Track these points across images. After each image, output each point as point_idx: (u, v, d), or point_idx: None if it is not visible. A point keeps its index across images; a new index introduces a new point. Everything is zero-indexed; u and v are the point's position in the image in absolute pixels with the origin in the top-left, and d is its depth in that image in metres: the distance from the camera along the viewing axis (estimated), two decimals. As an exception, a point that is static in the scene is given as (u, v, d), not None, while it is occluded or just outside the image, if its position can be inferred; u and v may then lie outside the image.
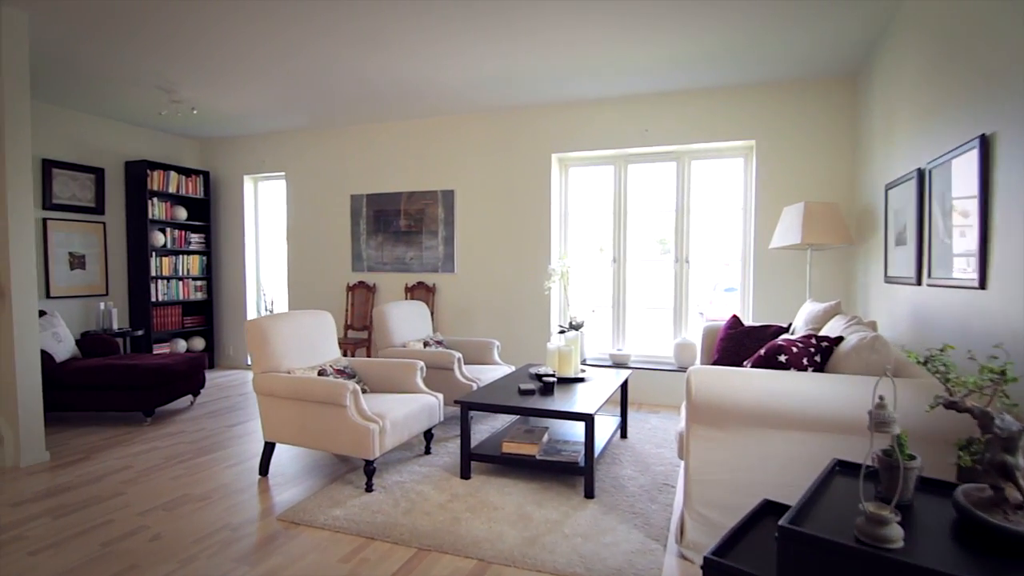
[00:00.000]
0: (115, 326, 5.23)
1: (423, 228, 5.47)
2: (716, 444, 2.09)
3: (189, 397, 4.78)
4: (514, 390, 3.23)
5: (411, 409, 3.07)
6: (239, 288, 6.32)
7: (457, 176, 5.34)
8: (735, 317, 3.62)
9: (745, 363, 2.49)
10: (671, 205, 4.85)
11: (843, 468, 1.53)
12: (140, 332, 5.39)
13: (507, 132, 5.13)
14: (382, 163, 5.63)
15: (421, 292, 5.47)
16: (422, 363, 3.42)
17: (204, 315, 6.27)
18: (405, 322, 4.22)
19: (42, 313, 4.44)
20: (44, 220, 4.97)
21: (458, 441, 3.58)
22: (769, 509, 1.53)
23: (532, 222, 5.07)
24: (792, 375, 2.12)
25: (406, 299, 5.50)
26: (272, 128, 5.86)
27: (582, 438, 3.23)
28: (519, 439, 3.03)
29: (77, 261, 5.24)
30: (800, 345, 2.35)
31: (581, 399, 3.03)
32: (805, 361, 2.29)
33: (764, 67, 3.99)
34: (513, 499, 2.72)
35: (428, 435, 3.40)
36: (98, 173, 5.39)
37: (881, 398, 1.27)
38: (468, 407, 3.01)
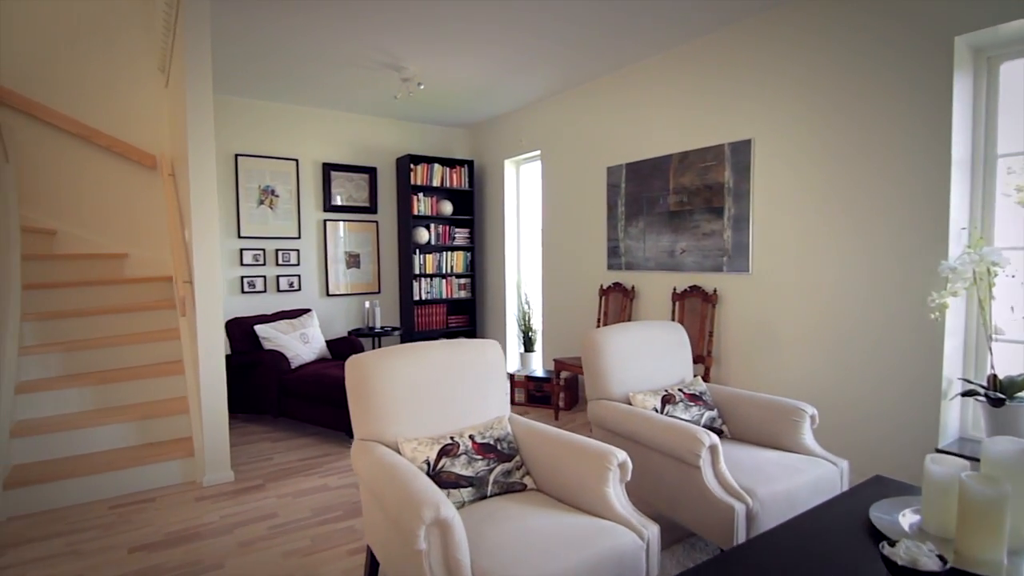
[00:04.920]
0: (378, 324, 5.21)
1: (701, 205, 3.61)
2: None
3: (414, 413, 4.25)
4: (823, 587, 1.27)
5: (566, 567, 1.49)
6: (500, 287, 5.68)
7: (755, 118, 3.28)
8: None
9: None
10: None
11: None
12: (398, 331, 5.26)
13: (850, 22, 2.80)
14: (645, 118, 3.99)
15: (695, 301, 3.64)
16: (624, 457, 1.77)
17: (468, 314, 5.89)
18: (632, 359, 2.53)
19: (304, 311, 4.57)
20: (324, 222, 5.25)
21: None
22: None
23: (902, 182, 2.63)
24: None
25: (673, 309, 3.76)
26: (525, 100, 4.91)
27: None
28: None
29: (352, 260, 5.42)
30: None
31: None
32: None
33: None
34: None
35: (630, 601, 1.74)
36: (371, 172, 5.46)
37: None
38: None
